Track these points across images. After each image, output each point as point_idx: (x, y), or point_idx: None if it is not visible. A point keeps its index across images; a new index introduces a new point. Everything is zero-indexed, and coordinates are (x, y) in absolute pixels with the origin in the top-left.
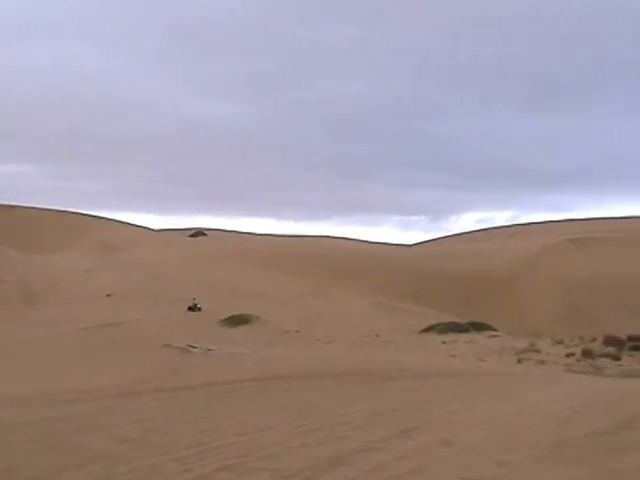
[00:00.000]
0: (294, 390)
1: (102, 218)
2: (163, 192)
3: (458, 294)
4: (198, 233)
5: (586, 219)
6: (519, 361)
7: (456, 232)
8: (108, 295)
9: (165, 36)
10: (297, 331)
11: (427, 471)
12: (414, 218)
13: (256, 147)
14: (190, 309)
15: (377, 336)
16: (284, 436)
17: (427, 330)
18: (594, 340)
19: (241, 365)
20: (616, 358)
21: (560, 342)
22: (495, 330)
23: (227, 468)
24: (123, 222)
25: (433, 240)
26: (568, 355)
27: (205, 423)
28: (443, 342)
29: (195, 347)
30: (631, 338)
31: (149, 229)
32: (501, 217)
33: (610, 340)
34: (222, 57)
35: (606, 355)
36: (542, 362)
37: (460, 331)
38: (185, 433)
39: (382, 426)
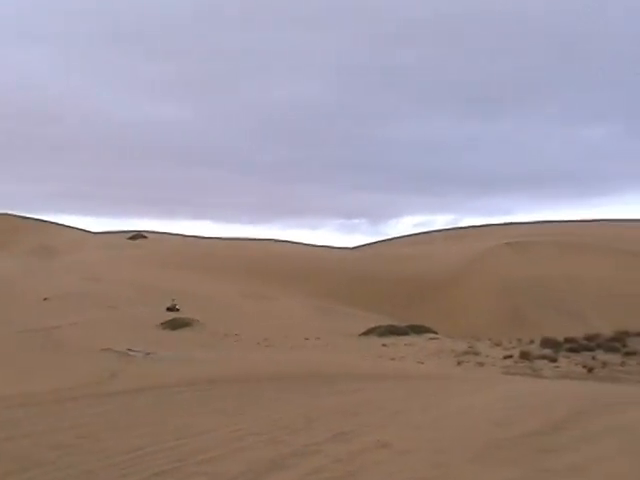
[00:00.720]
0: (233, 394)
1: (40, 221)
2: (102, 195)
3: (398, 297)
4: (137, 236)
5: (524, 223)
6: (458, 363)
7: (396, 235)
8: (45, 299)
9: (99, 39)
10: (237, 334)
11: (364, 474)
12: (355, 221)
13: (196, 150)
14: (169, 309)
15: (317, 339)
16: (222, 440)
17: (367, 333)
18: (532, 342)
19: (180, 369)
20: (553, 360)
21: (498, 344)
22: (435, 333)
23: (165, 473)
24: (61, 225)
25: (373, 243)
26: (506, 357)
27: (143, 428)
28: (383, 345)
29: (134, 351)
30: (567, 340)
31: (88, 232)
32: (440, 220)
33: (547, 342)
34: (159, 60)
35: (543, 357)
36: (481, 364)
37: (400, 334)
38: (122, 438)
39: (320, 429)
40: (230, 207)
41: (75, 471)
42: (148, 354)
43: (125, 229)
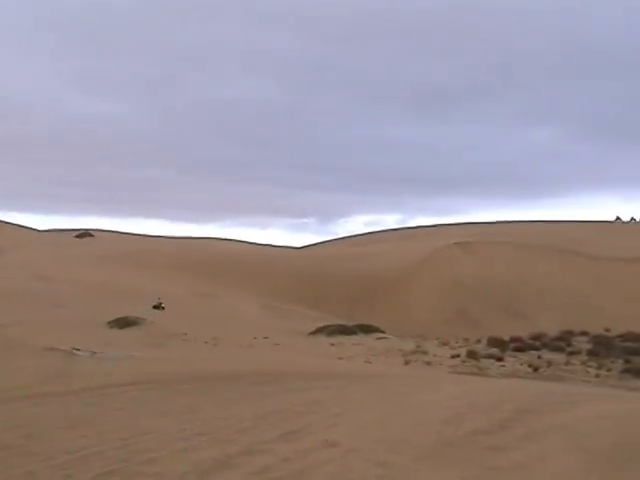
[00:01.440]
0: (179, 393)
1: None
2: (48, 192)
3: (347, 296)
4: (84, 234)
5: (473, 223)
6: (406, 363)
7: (345, 235)
8: None
9: (46, 34)
10: (185, 333)
11: (312, 473)
12: (304, 221)
13: (145, 148)
14: (155, 307)
15: (266, 338)
16: (168, 440)
17: (315, 332)
18: (479, 342)
19: (126, 368)
20: (499, 359)
21: (446, 344)
22: (383, 332)
23: (109, 473)
24: (7, 223)
25: (322, 243)
26: (453, 356)
27: (87, 428)
28: (331, 344)
29: (79, 350)
30: (514, 339)
31: (34, 230)
32: (390, 220)
33: (494, 341)
34: (112, 58)
35: (490, 356)
36: (428, 363)
37: (348, 333)
38: (66, 439)
39: (267, 428)
40: (180, 206)
41: (18, 472)
42: (94, 353)
43: (72, 227)
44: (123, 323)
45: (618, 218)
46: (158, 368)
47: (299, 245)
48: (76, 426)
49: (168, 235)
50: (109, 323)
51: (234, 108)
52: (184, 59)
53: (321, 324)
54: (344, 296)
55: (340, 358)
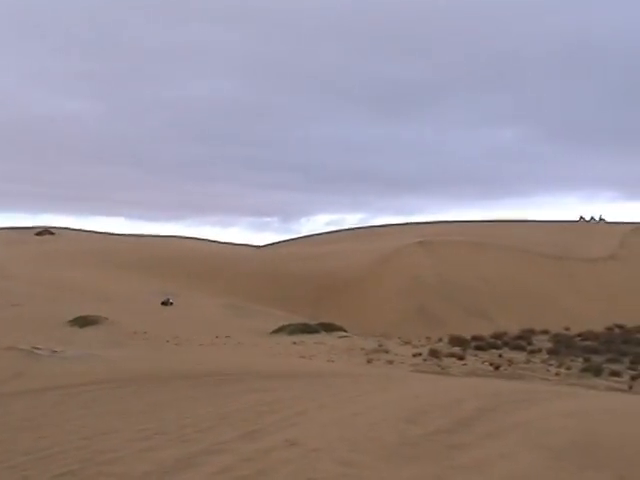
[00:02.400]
0: (140, 392)
1: None
2: (6, 190)
3: (309, 295)
4: (44, 232)
5: (435, 222)
6: (368, 361)
7: (307, 234)
8: None
9: (13, 32)
10: (146, 332)
11: (273, 472)
12: (266, 219)
13: (106, 146)
14: (163, 304)
15: (227, 337)
16: (129, 440)
17: (277, 331)
18: (440, 340)
19: (87, 367)
20: (461, 358)
21: (408, 342)
22: (345, 331)
23: (69, 473)
24: None
25: (284, 241)
26: (415, 355)
27: (47, 428)
28: (293, 343)
29: (40, 349)
30: (475, 338)
31: None
32: (351, 219)
33: (455, 340)
34: (70, 54)
35: (452, 355)
36: (390, 362)
37: (310, 332)
38: (24, 439)
39: (228, 428)
40: (142, 204)
41: None
42: (54, 352)
43: (31, 225)
44: (83, 322)
45: (582, 218)
46: (119, 367)
47: (261, 244)
48: (35, 427)
49: (130, 233)
50: (69, 322)
51: (197, 106)
52: (148, 57)
53: (284, 323)
54: (306, 295)
55: (302, 357)
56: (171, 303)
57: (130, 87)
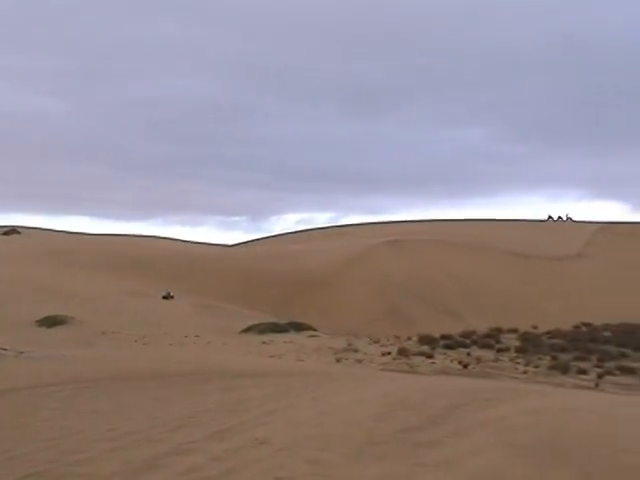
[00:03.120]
0: (108, 392)
1: None
2: None
3: (279, 294)
4: (11, 231)
5: (405, 221)
6: (337, 360)
7: (277, 233)
8: None
9: None
10: (115, 332)
11: (241, 471)
12: (235, 219)
13: (75, 145)
14: (165, 298)
15: (197, 337)
16: (97, 440)
17: (247, 330)
18: (409, 339)
19: (54, 368)
20: (430, 356)
21: (377, 341)
22: (314, 330)
23: (35, 475)
24: None
25: (254, 241)
26: (384, 354)
27: (14, 430)
28: (263, 342)
29: (6, 350)
30: (444, 337)
31: None
32: (321, 218)
33: (424, 339)
34: (42, 52)
35: (420, 353)
36: (359, 361)
37: (280, 331)
38: None
39: (198, 427)
40: (111, 203)
41: None
42: (21, 353)
43: (0, 224)
44: (51, 322)
45: (550, 217)
46: (87, 367)
47: (230, 243)
48: (2, 428)
49: (98, 233)
50: (37, 322)
51: (167, 106)
52: (118, 56)
53: (254, 322)
54: (276, 294)
55: (272, 356)
56: (172, 296)
57: (98, 85)
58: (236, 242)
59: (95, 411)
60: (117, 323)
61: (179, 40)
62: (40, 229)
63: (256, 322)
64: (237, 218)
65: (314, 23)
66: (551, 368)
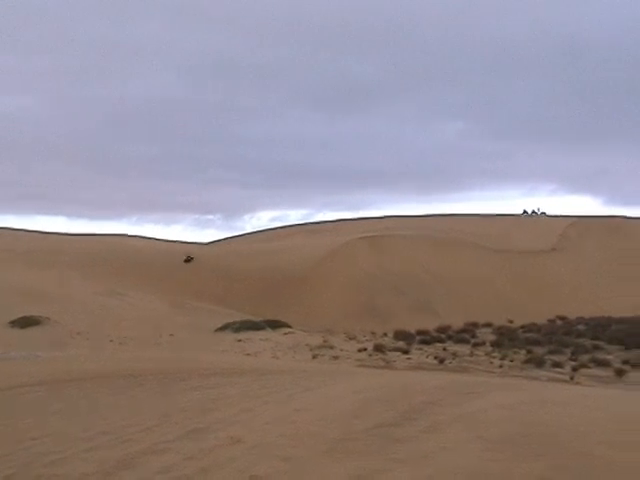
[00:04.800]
0: (83, 393)
1: None
2: None
3: (254, 292)
4: None
5: (380, 217)
6: (313, 357)
7: (251, 230)
8: None
9: None
10: (89, 332)
11: (216, 470)
12: (209, 217)
13: (47, 144)
14: (186, 261)
15: (171, 335)
16: (72, 440)
17: (222, 329)
18: (385, 335)
19: (29, 368)
20: (406, 352)
21: (353, 338)
22: (290, 327)
23: (10, 477)
24: None
25: (229, 238)
26: (360, 350)
27: None
28: (238, 340)
29: None
30: (420, 332)
31: None
32: (295, 215)
33: (400, 335)
34: (12, 52)
35: (396, 349)
36: (336, 358)
37: (256, 329)
38: None
39: (171, 427)
40: (84, 202)
41: None
42: None
43: None
44: (25, 323)
45: (525, 211)
46: (61, 368)
47: (205, 241)
48: None
49: (71, 232)
50: (10, 323)
51: (141, 103)
52: (89, 54)
53: (229, 320)
54: (252, 292)
55: (247, 354)
56: (192, 258)
57: (69, 84)
58: (211, 240)
59: (70, 411)
60: (92, 323)
61: (153, 39)
62: (13, 229)
63: (231, 320)
64: (211, 216)
65: (288, 18)
66: (526, 362)
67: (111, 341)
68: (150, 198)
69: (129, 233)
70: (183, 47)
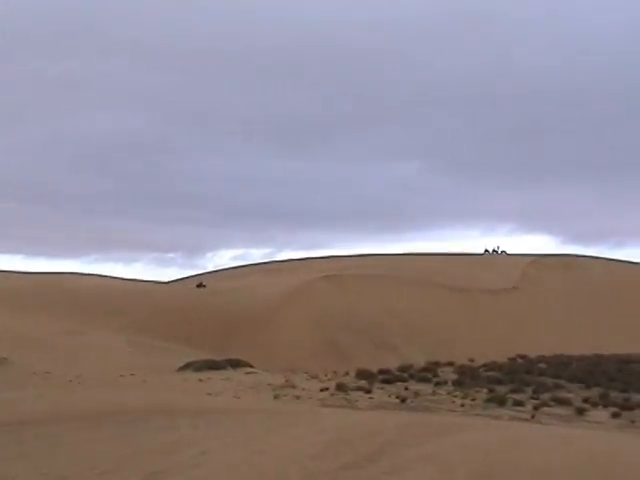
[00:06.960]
0: (40, 435)
1: None
2: None
3: (216, 331)
4: None
5: (341, 256)
6: (275, 397)
7: (212, 269)
8: None
9: None
10: (47, 372)
11: None
12: (170, 255)
13: (3, 180)
14: (198, 287)
15: (132, 375)
16: None
17: (184, 368)
18: (347, 374)
19: None
20: (368, 391)
21: (315, 377)
22: (252, 366)
23: None
24: None
25: (190, 277)
26: (322, 390)
27: None
28: (199, 380)
29: None
30: (382, 371)
31: None
32: (257, 254)
33: (362, 374)
34: None
35: (359, 388)
36: (298, 397)
37: (217, 368)
38: None
39: (131, 470)
40: (39, 241)
41: None
42: None
43: None
44: None
45: (486, 250)
46: (18, 409)
47: (166, 280)
48: None
49: (29, 271)
50: None
51: (98, 141)
52: (48, 88)
53: (190, 359)
54: (214, 331)
55: (209, 394)
56: (204, 286)
57: (29, 119)
58: (172, 279)
59: (26, 455)
60: (51, 363)
61: (111, 75)
62: None
63: (192, 359)
64: (172, 255)
65: (242, 57)
66: (488, 401)
67: (70, 381)
68: (110, 236)
69: (89, 272)
70: (143, 83)
